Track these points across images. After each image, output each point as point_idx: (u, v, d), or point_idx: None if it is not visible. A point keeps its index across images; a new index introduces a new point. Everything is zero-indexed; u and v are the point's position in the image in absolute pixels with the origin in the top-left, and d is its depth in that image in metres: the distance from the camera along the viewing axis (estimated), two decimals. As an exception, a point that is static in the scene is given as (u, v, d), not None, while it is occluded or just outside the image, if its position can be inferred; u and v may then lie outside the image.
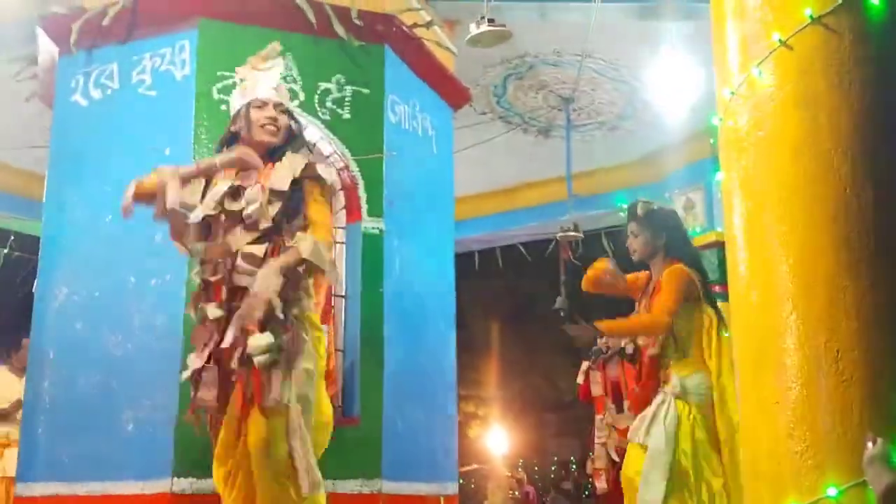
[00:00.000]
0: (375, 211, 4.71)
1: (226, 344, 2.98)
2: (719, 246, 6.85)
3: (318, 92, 4.69)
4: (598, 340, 6.51)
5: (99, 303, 4.39)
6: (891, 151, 2.29)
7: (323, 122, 4.66)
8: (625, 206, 4.21)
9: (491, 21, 5.09)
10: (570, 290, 7.80)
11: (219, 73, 4.48)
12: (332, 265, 3.15)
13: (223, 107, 4.25)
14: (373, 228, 4.69)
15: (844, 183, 2.27)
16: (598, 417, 6.73)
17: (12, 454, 5.48)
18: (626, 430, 4.89)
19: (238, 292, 3.04)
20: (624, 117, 7.61)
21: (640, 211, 4.05)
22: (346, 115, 4.73)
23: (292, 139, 3.30)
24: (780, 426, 2.25)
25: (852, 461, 2.10)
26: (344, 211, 4.76)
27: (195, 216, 3.15)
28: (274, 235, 3.10)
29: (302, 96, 4.63)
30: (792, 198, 2.33)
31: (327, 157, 4.69)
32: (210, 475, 3.14)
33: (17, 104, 5.66)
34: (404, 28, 5.02)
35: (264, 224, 3.08)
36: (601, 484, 6.78)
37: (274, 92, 3.30)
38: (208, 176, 3.24)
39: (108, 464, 4.14)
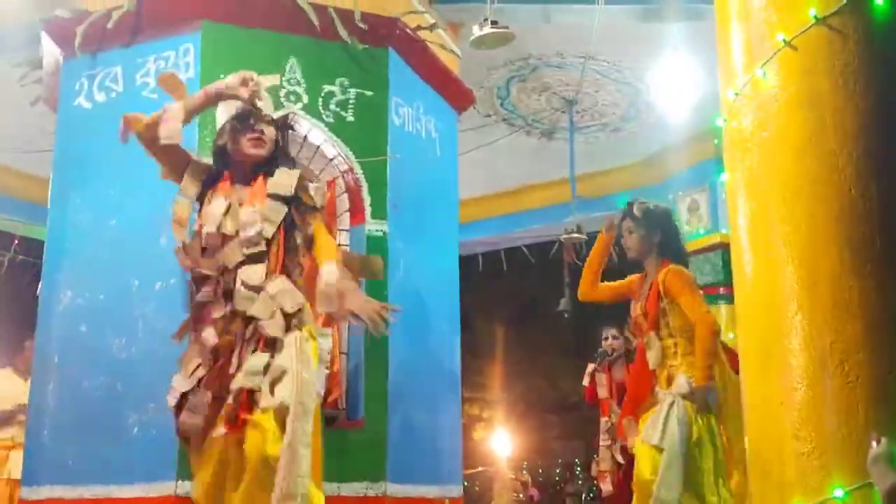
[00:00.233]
0: (379, 213, 4.71)
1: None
2: (724, 247, 6.85)
3: (322, 94, 4.69)
4: (603, 342, 6.50)
5: (103, 306, 4.39)
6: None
7: (327, 124, 4.66)
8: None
9: (494, 23, 5.09)
10: (573, 292, 7.76)
11: (222, 76, 4.42)
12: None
13: (226, 109, 4.25)
14: (377, 231, 4.69)
15: (849, 183, 2.27)
16: (603, 420, 6.70)
17: (17, 456, 5.48)
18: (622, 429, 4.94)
19: (236, 316, 2.98)
20: (627, 119, 7.60)
21: (636, 209, 4.16)
22: (350, 118, 4.73)
23: (279, 152, 3.22)
24: (786, 427, 2.25)
25: (858, 462, 2.09)
26: (348, 213, 4.75)
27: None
28: (270, 256, 3.04)
29: (306, 99, 4.64)
30: (797, 198, 2.32)
31: (331, 159, 4.69)
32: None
33: (21, 108, 5.66)
34: (408, 30, 5.02)
35: (261, 247, 3.02)
36: (606, 486, 6.75)
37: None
38: (216, 102, 3.25)
39: (113, 467, 4.14)
